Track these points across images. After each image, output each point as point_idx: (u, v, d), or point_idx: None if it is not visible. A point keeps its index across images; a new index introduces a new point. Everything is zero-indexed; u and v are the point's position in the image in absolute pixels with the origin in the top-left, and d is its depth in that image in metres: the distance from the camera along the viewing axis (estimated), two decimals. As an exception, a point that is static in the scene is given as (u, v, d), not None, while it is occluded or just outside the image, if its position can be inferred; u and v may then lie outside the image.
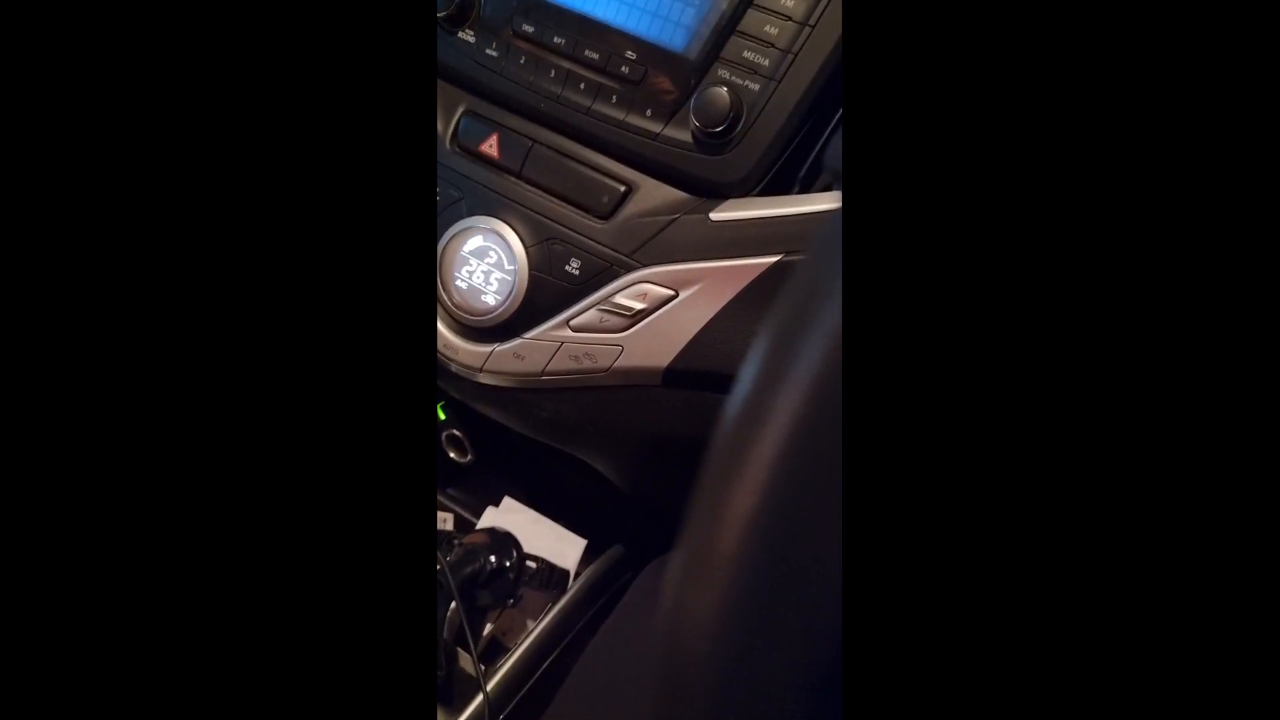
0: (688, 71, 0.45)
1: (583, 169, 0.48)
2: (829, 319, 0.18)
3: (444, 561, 0.54)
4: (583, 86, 0.47)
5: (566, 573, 0.63)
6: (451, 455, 0.70)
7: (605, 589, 0.63)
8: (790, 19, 0.42)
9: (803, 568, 0.18)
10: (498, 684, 0.56)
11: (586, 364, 0.48)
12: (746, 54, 0.43)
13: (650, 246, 0.46)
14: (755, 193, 0.45)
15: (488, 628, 0.62)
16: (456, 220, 0.50)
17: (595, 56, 0.46)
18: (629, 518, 0.68)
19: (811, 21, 0.42)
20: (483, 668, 0.55)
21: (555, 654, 0.59)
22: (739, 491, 0.19)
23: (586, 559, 0.65)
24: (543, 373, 0.49)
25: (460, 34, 0.49)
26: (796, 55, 0.42)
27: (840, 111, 0.45)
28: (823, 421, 0.18)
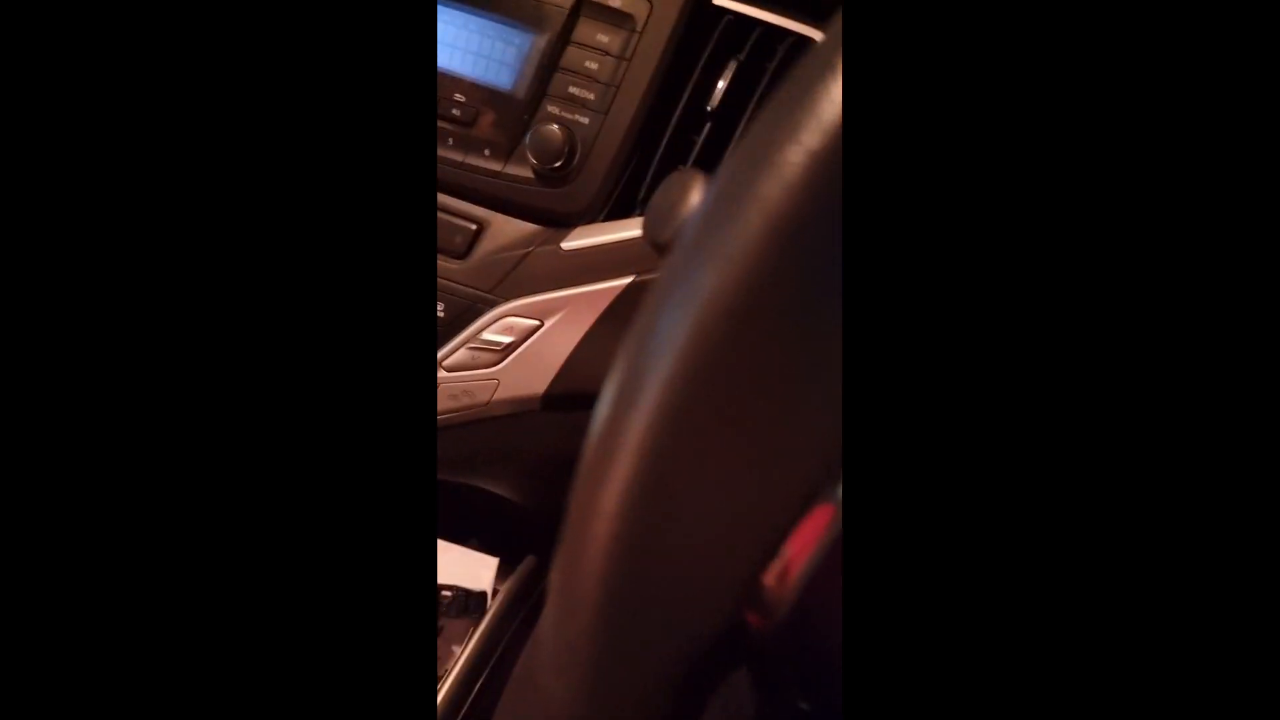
0: (518, 109, 0.46)
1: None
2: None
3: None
4: (418, 134, 0.47)
5: (483, 594, 0.64)
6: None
7: (524, 601, 0.65)
8: (608, 54, 0.44)
9: None
10: (438, 714, 0.57)
11: (466, 400, 0.50)
12: (572, 89, 0.45)
13: (509, 281, 0.48)
14: (601, 218, 0.47)
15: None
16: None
17: (426, 103, 0.47)
18: (537, 530, 0.70)
19: (627, 55, 0.44)
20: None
21: (486, 673, 0.61)
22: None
23: (502, 576, 0.66)
24: (426, 416, 0.50)
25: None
26: (619, 88, 0.44)
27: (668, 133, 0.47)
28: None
